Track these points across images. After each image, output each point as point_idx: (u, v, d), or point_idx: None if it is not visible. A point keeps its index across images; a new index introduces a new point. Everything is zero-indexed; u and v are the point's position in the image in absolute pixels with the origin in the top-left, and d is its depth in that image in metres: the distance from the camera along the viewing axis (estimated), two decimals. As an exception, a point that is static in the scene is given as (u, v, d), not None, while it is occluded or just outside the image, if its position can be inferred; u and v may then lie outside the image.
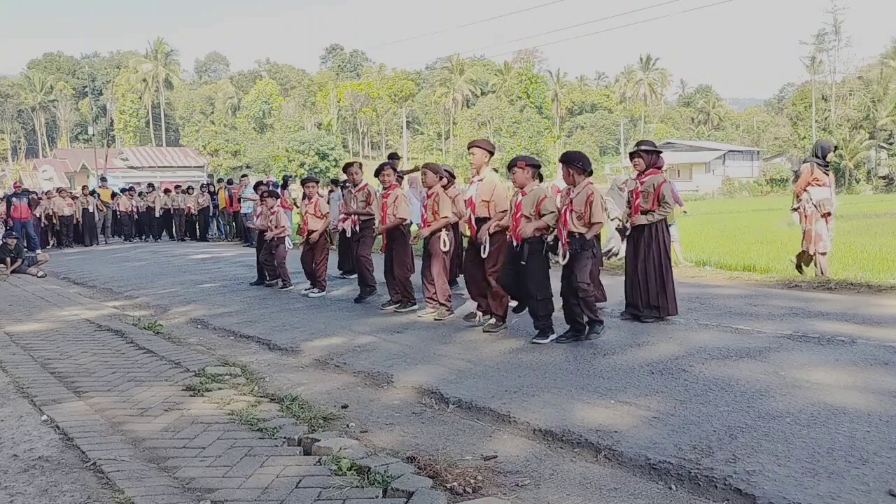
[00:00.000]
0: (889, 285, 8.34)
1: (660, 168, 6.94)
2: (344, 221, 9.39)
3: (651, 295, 6.78)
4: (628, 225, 7.00)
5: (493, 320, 6.69)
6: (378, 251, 9.16)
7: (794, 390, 4.53)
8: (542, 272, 6.15)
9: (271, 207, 10.09)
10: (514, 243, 6.18)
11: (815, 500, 3.03)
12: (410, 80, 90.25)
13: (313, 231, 9.41)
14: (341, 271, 11.01)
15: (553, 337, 6.10)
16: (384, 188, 8.13)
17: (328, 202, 14.71)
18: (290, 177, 21.45)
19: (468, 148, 7.06)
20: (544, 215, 6.03)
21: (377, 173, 8.21)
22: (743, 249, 13.03)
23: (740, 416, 4.07)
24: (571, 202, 6.00)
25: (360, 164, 9.15)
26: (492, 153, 7.01)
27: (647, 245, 6.82)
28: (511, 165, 6.29)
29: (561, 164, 6.20)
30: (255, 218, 11.22)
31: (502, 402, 4.49)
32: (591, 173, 6.17)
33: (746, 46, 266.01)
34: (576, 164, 6.10)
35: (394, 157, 11.41)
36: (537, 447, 3.88)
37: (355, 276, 9.51)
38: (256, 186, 13.65)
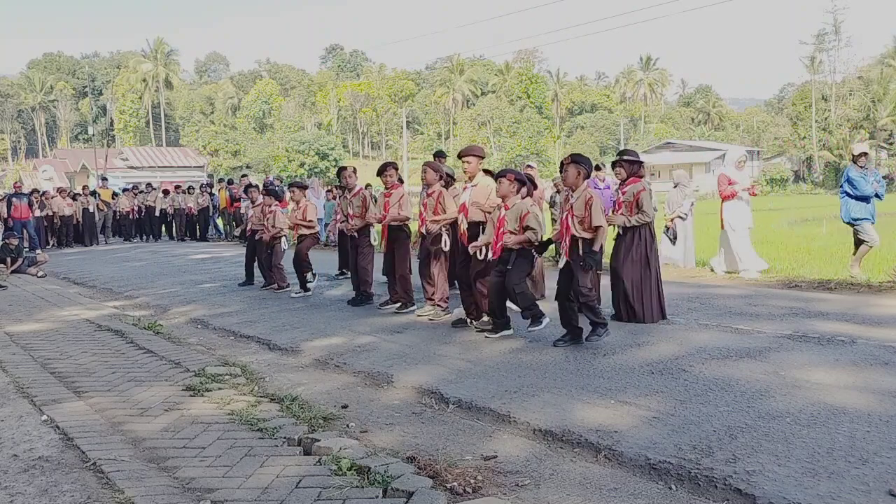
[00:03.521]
0: (889, 285, 8.34)
1: (640, 177, 7.02)
2: (341, 222, 9.40)
3: (629, 299, 6.82)
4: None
5: (485, 318, 6.68)
6: (379, 250, 9.16)
7: (794, 390, 4.53)
8: (522, 272, 6.17)
9: (269, 206, 10.03)
10: (489, 255, 6.22)
11: (815, 500, 3.03)
12: (410, 80, 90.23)
13: (302, 236, 9.48)
14: (339, 272, 11.00)
15: (547, 320, 6.12)
16: (386, 188, 8.12)
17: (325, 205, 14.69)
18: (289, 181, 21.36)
19: (460, 157, 7.03)
20: (528, 229, 6.03)
21: (380, 173, 8.16)
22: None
23: (740, 416, 4.07)
24: (572, 207, 5.98)
25: (354, 169, 9.13)
26: (483, 158, 7.04)
27: (628, 250, 6.87)
28: (499, 176, 6.25)
29: (571, 164, 6.08)
30: (248, 217, 11.15)
31: (502, 402, 4.49)
32: (589, 176, 6.19)
33: (746, 46, 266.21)
34: (585, 166, 6.09)
35: (440, 154, 10.96)
36: (537, 447, 3.88)
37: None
38: (247, 189, 13.48)
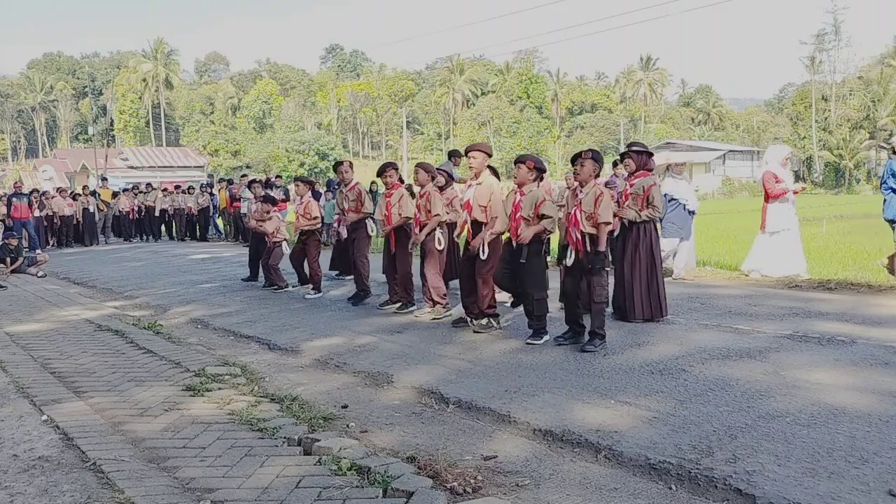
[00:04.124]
0: (889, 285, 8.34)
1: (650, 170, 6.95)
2: (339, 223, 9.42)
3: (637, 298, 6.78)
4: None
5: (483, 320, 6.68)
6: (375, 250, 9.16)
7: (794, 390, 4.53)
8: (540, 272, 6.14)
9: (267, 212, 10.06)
10: (514, 244, 6.17)
11: (815, 500, 3.03)
12: (410, 80, 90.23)
13: (303, 231, 9.43)
14: (336, 272, 11.00)
15: (547, 338, 6.09)
16: (387, 188, 8.11)
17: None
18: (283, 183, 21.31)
19: (466, 153, 7.00)
20: (543, 218, 6.01)
21: (380, 174, 8.15)
22: (743, 249, 13.00)
23: (740, 416, 4.07)
24: (581, 203, 5.91)
25: (351, 163, 9.18)
26: (490, 156, 7.02)
27: (635, 246, 6.82)
28: (518, 161, 6.22)
29: (590, 160, 5.94)
30: (249, 218, 11.15)
31: (502, 402, 4.49)
32: (598, 175, 6.17)
33: (746, 46, 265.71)
34: (600, 164, 6.00)
35: (455, 154, 10.56)
36: (537, 447, 3.88)
37: (351, 276, 9.52)
38: (250, 185, 13.52)
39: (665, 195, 9.29)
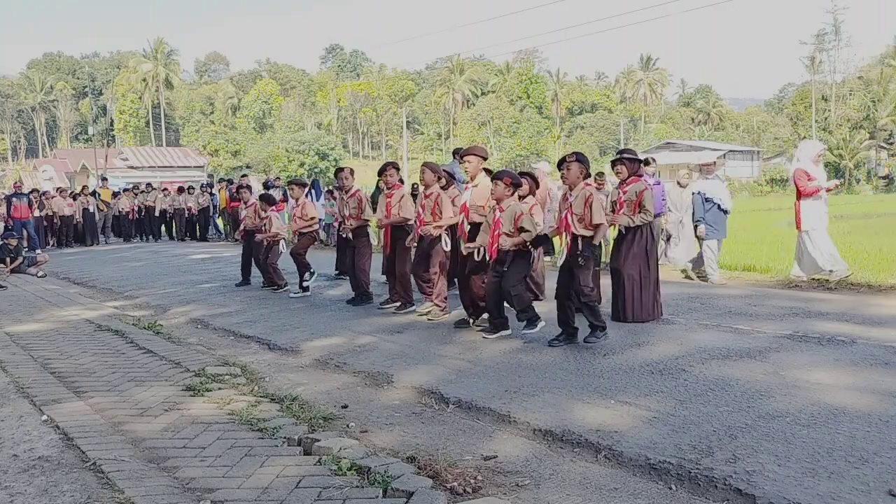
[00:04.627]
0: (889, 285, 8.34)
1: (640, 176, 6.99)
2: (340, 224, 9.46)
3: (630, 300, 6.80)
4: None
5: (485, 316, 6.66)
6: (378, 251, 9.14)
7: (794, 390, 4.53)
8: (517, 272, 6.16)
9: (264, 210, 10.05)
10: (487, 257, 6.21)
11: (815, 500, 3.03)
12: (410, 80, 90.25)
13: (301, 235, 9.51)
14: (337, 272, 10.99)
15: (542, 324, 6.13)
16: (388, 188, 8.10)
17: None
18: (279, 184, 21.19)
19: (461, 157, 7.00)
20: (522, 230, 6.03)
21: (380, 173, 8.15)
22: (743, 249, 13.02)
23: (740, 416, 4.08)
24: (571, 205, 5.99)
25: (352, 170, 9.14)
26: (486, 159, 7.02)
27: (629, 249, 6.84)
28: (496, 178, 6.25)
29: (575, 162, 6.05)
30: (242, 218, 11.09)
31: (502, 402, 4.50)
32: (589, 175, 6.20)
33: (746, 46, 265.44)
34: (587, 165, 6.11)
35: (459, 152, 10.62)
36: (537, 447, 3.88)
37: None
38: (238, 191, 13.31)
39: (700, 193, 9.30)
